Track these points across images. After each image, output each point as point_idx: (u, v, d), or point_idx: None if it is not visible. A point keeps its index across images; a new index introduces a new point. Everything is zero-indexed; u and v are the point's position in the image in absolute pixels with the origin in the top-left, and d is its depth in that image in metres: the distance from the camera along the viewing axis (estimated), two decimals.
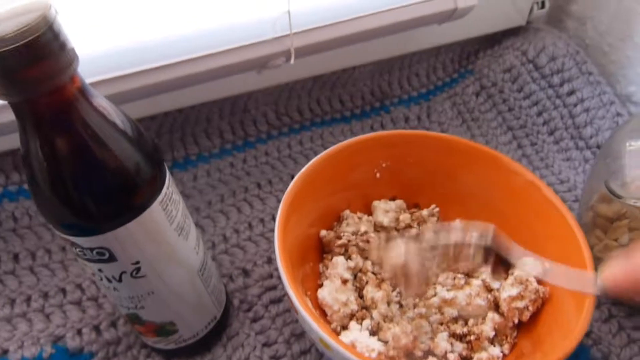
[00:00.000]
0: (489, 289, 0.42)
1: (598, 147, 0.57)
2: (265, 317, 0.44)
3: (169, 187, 0.32)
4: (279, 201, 0.53)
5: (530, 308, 0.39)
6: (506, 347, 0.39)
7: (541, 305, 0.40)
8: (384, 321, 0.39)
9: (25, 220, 0.50)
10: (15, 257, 0.48)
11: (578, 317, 0.35)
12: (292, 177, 0.55)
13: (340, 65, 0.60)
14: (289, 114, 0.60)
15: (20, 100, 0.25)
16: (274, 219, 0.51)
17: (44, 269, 0.47)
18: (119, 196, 0.29)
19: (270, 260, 0.48)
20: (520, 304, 0.39)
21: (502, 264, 0.37)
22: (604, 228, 0.44)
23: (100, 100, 0.28)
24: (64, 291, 0.46)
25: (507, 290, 0.40)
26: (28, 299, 0.45)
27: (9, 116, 0.41)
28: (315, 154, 0.58)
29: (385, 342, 0.38)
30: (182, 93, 0.50)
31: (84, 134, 0.27)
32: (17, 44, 0.22)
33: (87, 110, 0.27)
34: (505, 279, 0.41)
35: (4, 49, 0.22)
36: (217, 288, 0.41)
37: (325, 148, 0.57)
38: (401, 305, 0.41)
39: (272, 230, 0.50)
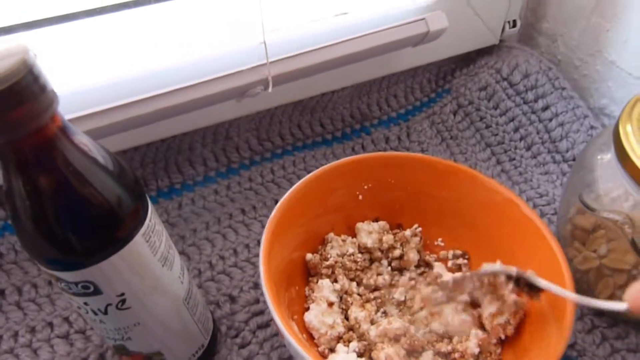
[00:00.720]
0: (474, 305, 0.42)
1: (574, 160, 0.58)
2: (252, 343, 0.45)
3: (152, 218, 0.32)
4: (263, 226, 0.53)
5: (512, 322, 0.40)
6: None
7: (523, 317, 0.41)
8: (374, 342, 0.40)
9: (11, 255, 0.50)
10: (2, 293, 0.48)
11: (560, 327, 0.36)
12: (276, 202, 0.56)
13: (319, 90, 0.61)
14: (270, 139, 0.60)
15: (2, 141, 0.25)
16: (259, 244, 0.52)
17: (30, 304, 0.47)
18: (102, 231, 0.29)
19: (257, 286, 0.48)
20: (501, 320, 0.40)
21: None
22: (582, 240, 0.45)
23: (81, 137, 0.28)
24: (51, 325, 0.46)
25: (487, 308, 0.40)
26: (15, 335, 0.45)
27: None
28: (299, 178, 0.58)
29: None
30: (165, 123, 0.50)
31: (66, 171, 0.27)
32: None
33: (68, 148, 0.27)
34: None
35: None
36: (204, 316, 0.41)
37: (308, 172, 0.58)
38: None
39: (258, 256, 0.50)
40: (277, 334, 0.45)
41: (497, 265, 0.41)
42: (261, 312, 0.46)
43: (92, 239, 0.29)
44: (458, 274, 0.43)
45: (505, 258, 0.44)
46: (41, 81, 0.25)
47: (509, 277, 0.40)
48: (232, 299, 0.47)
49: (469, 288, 0.41)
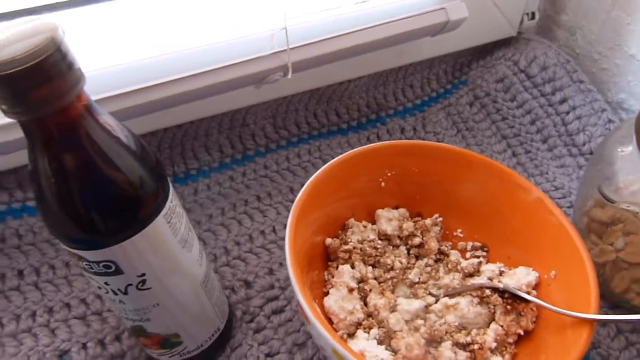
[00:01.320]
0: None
1: (591, 153, 0.58)
2: (267, 328, 0.45)
3: (172, 200, 0.33)
4: (278, 213, 0.54)
5: (528, 316, 0.40)
6: (507, 357, 0.40)
7: (538, 314, 0.41)
8: (394, 330, 0.40)
9: (30, 237, 0.50)
10: (20, 274, 0.48)
11: (580, 322, 0.36)
12: (292, 189, 0.56)
13: (336, 78, 0.61)
14: (287, 127, 0.61)
15: (30, 118, 0.25)
16: (274, 230, 0.52)
17: (48, 285, 0.47)
18: (125, 210, 0.29)
19: (272, 271, 0.48)
20: (513, 316, 0.40)
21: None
22: (599, 233, 0.45)
23: (106, 118, 0.29)
24: (68, 306, 0.46)
25: (498, 307, 0.41)
26: (33, 315, 0.45)
27: (13, 135, 0.42)
28: (314, 166, 0.58)
29: (394, 351, 0.38)
30: (182, 109, 0.51)
31: (91, 150, 0.27)
32: (27, 65, 0.23)
33: (94, 128, 0.27)
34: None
35: (15, 70, 0.23)
36: (220, 300, 0.41)
37: (323, 160, 0.58)
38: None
39: (273, 242, 0.51)
40: (292, 319, 0.45)
41: (484, 279, 0.43)
42: (276, 298, 0.47)
43: (115, 218, 0.29)
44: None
45: (526, 253, 0.44)
46: (69, 59, 0.25)
47: (494, 290, 0.42)
48: (248, 284, 0.48)
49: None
